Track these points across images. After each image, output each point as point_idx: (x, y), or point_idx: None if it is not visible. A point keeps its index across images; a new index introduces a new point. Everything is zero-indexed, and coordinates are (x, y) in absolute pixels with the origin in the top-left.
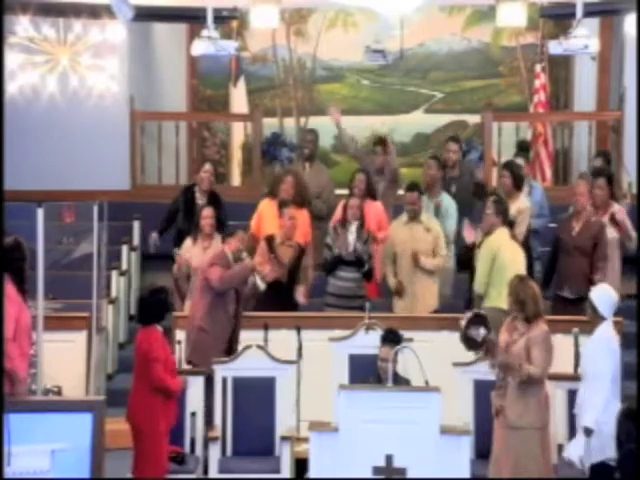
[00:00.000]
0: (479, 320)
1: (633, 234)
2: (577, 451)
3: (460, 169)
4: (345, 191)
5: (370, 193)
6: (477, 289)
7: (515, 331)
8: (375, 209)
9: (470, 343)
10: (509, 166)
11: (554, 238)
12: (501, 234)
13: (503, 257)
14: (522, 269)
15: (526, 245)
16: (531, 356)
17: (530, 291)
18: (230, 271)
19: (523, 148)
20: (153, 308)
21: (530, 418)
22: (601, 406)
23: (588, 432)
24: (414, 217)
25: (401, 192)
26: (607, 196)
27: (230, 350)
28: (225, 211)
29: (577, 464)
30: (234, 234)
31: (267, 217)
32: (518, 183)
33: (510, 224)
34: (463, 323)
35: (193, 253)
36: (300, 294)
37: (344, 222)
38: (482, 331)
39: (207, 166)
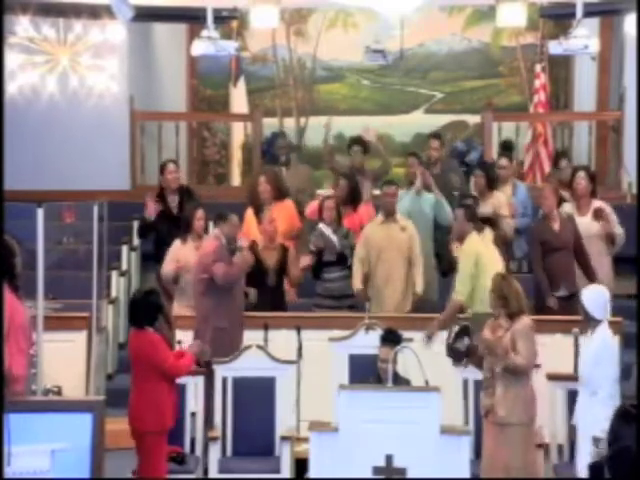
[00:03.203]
0: (464, 332)
1: (617, 230)
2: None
3: (441, 167)
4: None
5: (354, 199)
6: (460, 299)
7: (499, 329)
8: (356, 217)
9: (455, 355)
10: (483, 166)
11: (536, 245)
12: (473, 240)
13: (482, 263)
14: (500, 269)
15: (506, 244)
16: (517, 348)
17: (513, 287)
18: (233, 267)
19: (506, 147)
20: (145, 310)
21: (518, 414)
22: (609, 415)
23: (597, 441)
24: (390, 213)
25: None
26: (588, 188)
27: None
28: (200, 202)
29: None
30: (227, 219)
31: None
32: (491, 184)
33: (490, 222)
34: (451, 337)
35: (184, 253)
36: (303, 260)
37: (319, 222)
38: (466, 341)
39: (171, 166)
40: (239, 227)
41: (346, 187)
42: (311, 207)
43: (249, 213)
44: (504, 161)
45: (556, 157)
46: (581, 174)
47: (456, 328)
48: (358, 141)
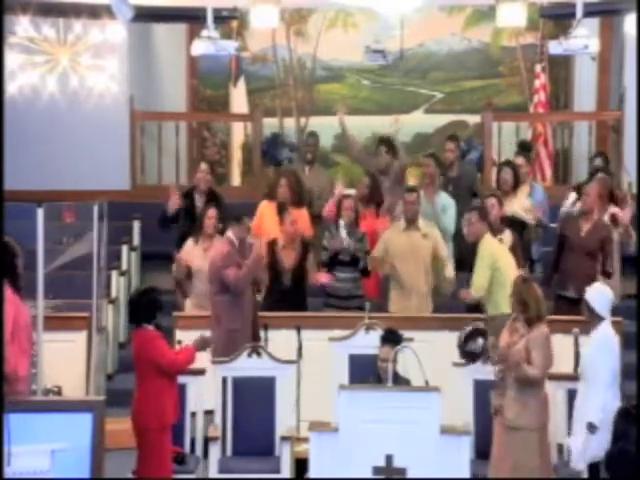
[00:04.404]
0: (477, 333)
1: (633, 233)
2: (576, 445)
3: (458, 169)
4: (346, 191)
5: (374, 198)
6: (476, 294)
7: (516, 333)
8: (373, 221)
9: (470, 356)
10: (511, 164)
11: (559, 235)
12: (489, 241)
13: (502, 262)
14: (515, 273)
15: (525, 247)
16: (531, 358)
17: (533, 293)
18: (244, 270)
19: (524, 148)
20: (143, 308)
21: (528, 418)
22: (602, 404)
23: (592, 428)
24: (412, 220)
25: None
26: (607, 192)
27: (255, 336)
28: (225, 211)
29: (574, 458)
30: (239, 221)
31: (267, 218)
32: (517, 182)
33: (516, 223)
34: (461, 339)
35: (194, 254)
36: (320, 276)
37: (337, 221)
38: (480, 341)
39: (203, 166)
40: (250, 231)
41: (368, 185)
42: (329, 206)
43: (264, 204)
44: (521, 160)
45: (592, 157)
46: (600, 175)
47: (466, 330)
48: (385, 141)
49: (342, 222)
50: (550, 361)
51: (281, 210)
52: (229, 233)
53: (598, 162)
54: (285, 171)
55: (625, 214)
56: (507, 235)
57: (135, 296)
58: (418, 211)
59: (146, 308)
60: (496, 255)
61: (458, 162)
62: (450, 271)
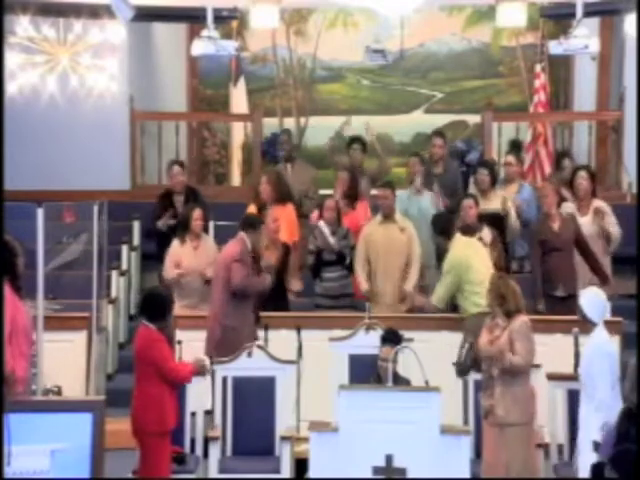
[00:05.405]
0: (471, 347)
1: (613, 229)
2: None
3: (444, 167)
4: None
5: (353, 193)
6: (437, 303)
7: (496, 328)
8: (355, 215)
9: (463, 371)
10: (487, 164)
11: (535, 244)
12: (457, 245)
13: (473, 261)
14: (489, 265)
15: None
16: (514, 348)
17: (510, 287)
18: (253, 279)
19: (516, 146)
20: (154, 305)
21: (518, 413)
22: (605, 417)
23: (597, 446)
24: (389, 215)
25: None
26: (589, 188)
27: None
28: (207, 206)
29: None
30: (257, 228)
31: None
32: (495, 182)
33: (496, 222)
34: (461, 357)
35: (183, 253)
36: (293, 284)
37: (319, 222)
38: (467, 345)
39: (175, 169)
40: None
41: (347, 180)
42: (315, 214)
43: (251, 209)
44: (511, 158)
45: (558, 157)
46: (582, 174)
47: (465, 347)
48: (358, 140)
49: (324, 224)
50: (533, 350)
51: (261, 209)
52: (243, 235)
53: (567, 163)
54: (266, 170)
55: (602, 206)
56: (486, 233)
57: (154, 292)
58: (393, 205)
59: (158, 308)
60: (460, 260)
61: (444, 159)
62: (411, 281)
